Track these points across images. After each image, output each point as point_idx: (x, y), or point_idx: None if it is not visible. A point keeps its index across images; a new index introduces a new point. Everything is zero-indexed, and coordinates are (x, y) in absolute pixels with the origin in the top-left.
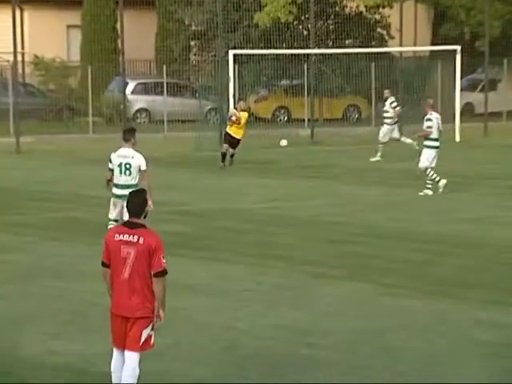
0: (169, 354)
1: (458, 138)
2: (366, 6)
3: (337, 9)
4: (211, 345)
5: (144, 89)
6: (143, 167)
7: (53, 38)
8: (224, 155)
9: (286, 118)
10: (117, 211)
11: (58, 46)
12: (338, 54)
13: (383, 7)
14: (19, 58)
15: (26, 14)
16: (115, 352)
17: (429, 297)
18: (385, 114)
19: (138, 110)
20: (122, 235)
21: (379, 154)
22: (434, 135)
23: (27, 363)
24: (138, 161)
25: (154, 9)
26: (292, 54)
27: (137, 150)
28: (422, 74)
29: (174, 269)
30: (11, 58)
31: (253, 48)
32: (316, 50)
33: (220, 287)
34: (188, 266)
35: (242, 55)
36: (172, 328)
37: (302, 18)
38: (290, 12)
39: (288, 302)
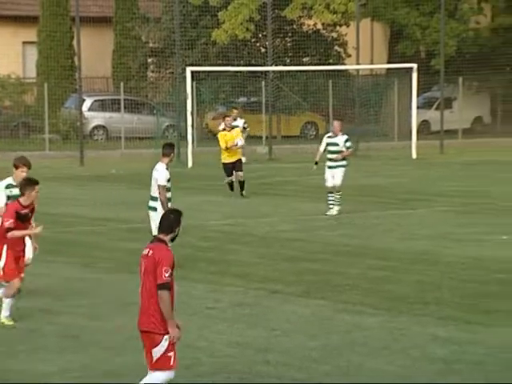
0: (127, 374)
1: (414, 155)
2: (323, 24)
3: (294, 26)
4: None
5: (101, 106)
6: (159, 182)
7: (8, 55)
8: (231, 185)
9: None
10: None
11: (14, 62)
12: (295, 71)
13: (340, 25)
14: None
15: None
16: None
17: (386, 313)
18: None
19: (95, 127)
20: (144, 250)
21: None
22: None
23: None
24: (157, 174)
25: (110, 26)
26: (250, 72)
27: (166, 166)
28: (378, 92)
29: (128, 286)
30: None
31: (210, 65)
32: (274, 68)
33: (180, 305)
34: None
35: (199, 72)
36: (132, 347)
37: (260, 35)
38: (247, 29)
39: (246, 319)
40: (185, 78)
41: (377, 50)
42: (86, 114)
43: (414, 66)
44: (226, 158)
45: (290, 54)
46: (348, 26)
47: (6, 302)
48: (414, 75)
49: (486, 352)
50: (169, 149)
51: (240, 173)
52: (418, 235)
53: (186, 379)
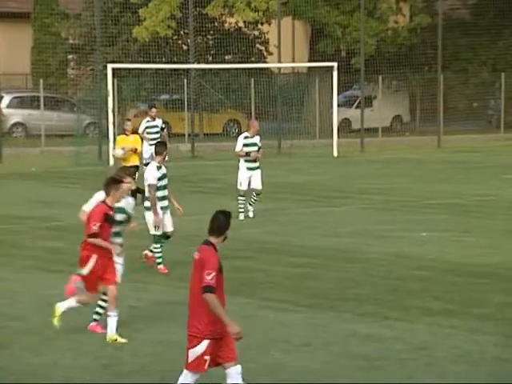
0: (44, 375)
1: (335, 153)
2: (244, 22)
3: (216, 24)
4: (90, 363)
5: (20, 102)
6: (148, 181)
7: None
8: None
9: (166, 132)
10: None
11: None
12: (217, 69)
13: (261, 24)
14: None
15: None
16: None
17: (308, 310)
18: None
19: (14, 124)
20: (195, 253)
21: None
22: None
23: None
24: (146, 173)
25: (29, 22)
26: (172, 69)
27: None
28: (300, 90)
29: (52, 286)
30: None
31: (132, 62)
32: (195, 65)
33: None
34: (63, 282)
35: (120, 69)
36: (50, 347)
37: (182, 32)
38: (169, 26)
39: (168, 317)
40: (106, 75)
41: (298, 49)
42: (5, 110)
43: (335, 64)
44: (122, 163)
45: (212, 52)
46: (270, 24)
47: (111, 319)
48: (335, 74)
49: (406, 348)
50: (161, 147)
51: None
52: (340, 232)
53: (103, 379)
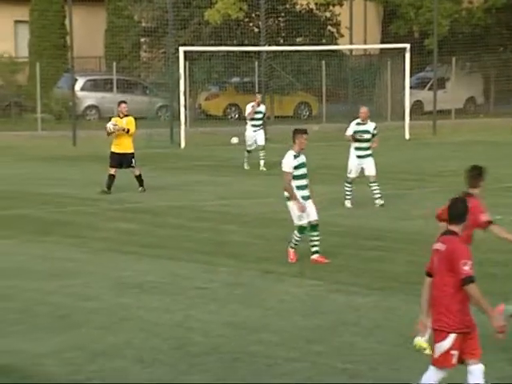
0: (118, 354)
1: (407, 136)
2: (316, 4)
3: (287, 6)
4: (162, 344)
5: (94, 85)
6: (283, 168)
7: (0, 34)
8: (111, 177)
9: (237, 116)
10: None
11: (6, 41)
12: (288, 51)
13: (333, 5)
14: None
15: None
16: None
17: (379, 293)
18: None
19: (88, 107)
20: (435, 244)
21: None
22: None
23: None
24: (283, 161)
25: (103, 5)
26: (243, 52)
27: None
28: (371, 72)
29: (125, 267)
30: None
31: (203, 45)
32: (267, 48)
33: (171, 285)
34: (139, 264)
35: (192, 52)
36: (123, 327)
37: (253, 15)
38: (240, 9)
39: (239, 299)
40: (178, 58)
41: (370, 30)
42: (79, 93)
43: (408, 46)
44: (114, 148)
45: (283, 34)
46: (341, 6)
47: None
48: (407, 55)
49: (479, 332)
50: (297, 135)
51: (131, 169)
52: (413, 215)
53: (175, 360)
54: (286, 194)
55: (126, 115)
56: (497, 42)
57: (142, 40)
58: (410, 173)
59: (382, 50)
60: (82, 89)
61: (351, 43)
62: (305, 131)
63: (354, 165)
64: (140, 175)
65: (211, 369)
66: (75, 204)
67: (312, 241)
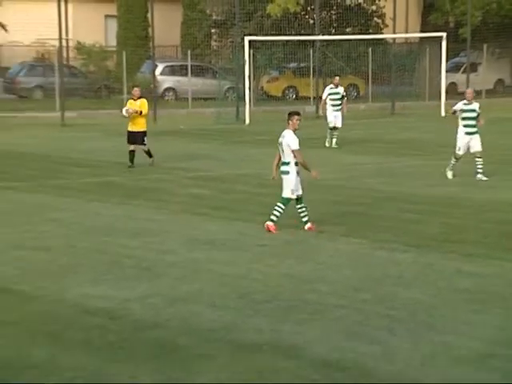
0: (193, 299)
1: (443, 113)
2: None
3: (339, 1)
4: (230, 292)
5: (171, 70)
6: (293, 147)
7: (93, 27)
8: (132, 153)
9: (294, 96)
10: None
11: (98, 33)
12: (339, 40)
13: (379, 0)
14: (64, 44)
15: (70, 6)
16: None
17: (416, 250)
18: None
19: (166, 89)
20: None
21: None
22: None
23: (70, 307)
24: (288, 140)
25: (179, 1)
26: (299, 41)
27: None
28: (412, 58)
29: (198, 226)
30: (57, 44)
31: (265, 35)
32: (320, 37)
33: (237, 243)
34: (210, 224)
35: (256, 41)
36: (196, 277)
37: (308, 8)
38: (297, 3)
39: (295, 254)
40: (243, 46)
41: (411, 21)
42: (159, 77)
43: (444, 34)
44: (129, 127)
45: (334, 25)
46: (386, 0)
47: None
48: (444, 43)
49: (507, 283)
50: (294, 115)
51: (142, 146)
52: (447, 182)
53: (241, 305)
54: (282, 168)
55: (140, 97)
56: None
57: (213, 31)
58: (445, 145)
59: (421, 38)
60: (161, 73)
61: (394, 32)
62: (297, 113)
63: (463, 143)
64: (148, 150)
65: (271, 314)
66: (156, 172)
67: (301, 212)
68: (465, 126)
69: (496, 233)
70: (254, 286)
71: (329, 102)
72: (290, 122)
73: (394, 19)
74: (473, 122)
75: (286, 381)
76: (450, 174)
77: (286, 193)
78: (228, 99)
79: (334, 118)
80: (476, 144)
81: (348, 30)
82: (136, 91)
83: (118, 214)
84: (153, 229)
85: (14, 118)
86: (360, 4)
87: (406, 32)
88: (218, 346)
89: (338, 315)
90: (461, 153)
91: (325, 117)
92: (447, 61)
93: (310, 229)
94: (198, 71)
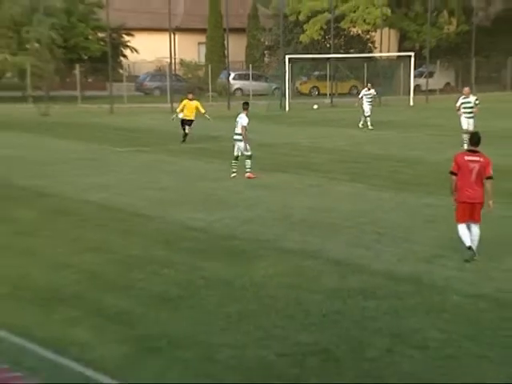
0: (254, 222)
1: (411, 103)
2: (362, 31)
3: (345, 32)
4: (277, 216)
5: (239, 77)
6: (244, 124)
7: (190, 49)
8: (185, 136)
9: (316, 93)
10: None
11: (193, 53)
12: (346, 57)
13: (372, 31)
14: (173, 61)
15: (177, 36)
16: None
17: (396, 191)
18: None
19: (236, 89)
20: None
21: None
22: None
23: (178, 225)
24: (241, 120)
25: (244, 33)
26: (320, 58)
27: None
28: (392, 69)
29: (256, 176)
30: (168, 61)
31: (299, 54)
32: (333, 55)
33: (280, 186)
34: (264, 174)
35: (292, 58)
36: (256, 207)
37: (326, 37)
38: (319, 34)
39: (315, 194)
40: (284, 62)
41: (391, 45)
42: (231, 81)
43: (412, 54)
44: (183, 116)
45: (343, 47)
46: (375, 32)
47: None
48: (412, 59)
49: (449, 210)
50: (247, 105)
51: (189, 128)
52: (418, 148)
53: (283, 225)
54: (235, 137)
55: (193, 99)
56: (463, 52)
57: (265, 52)
58: (411, 125)
59: (398, 56)
60: (233, 79)
61: (381, 52)
62: (248, 103)
63: (465, 123)
64: (187, 134)
65: (302, 230)
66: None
67: (234, 166)
68: (464, 113)
69: (445, 179)
70: (290, 213)
71: (462, 110)
72: (245, 110)
73: (380, 44)
74: (470, 110)
75: (311, 273)
76: (466, 146)
77: (246, 152)
78: (274, 95)
79: (467, 124)
80: (472, 124)
81: (352, 50)
82: (190, 95)
83: (206, 167)
84: (225, 176)
85: (141, 108)
86: (359, 34)
87: (388, 52)
88: (268, 251)
89: (345, 231)
90: (465, 127)
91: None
92: (414, 70)
93: (249, 177)
94: (256, 77)
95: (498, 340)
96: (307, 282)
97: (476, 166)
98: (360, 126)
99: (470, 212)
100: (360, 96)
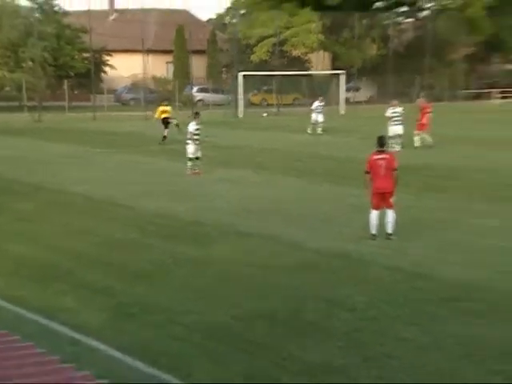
0: (215, 210)
1: (343, 113)
2: (301, 53)
3: (287, 54)
4: (233, 205)
5: (201, 90)
6: (190, 130)
7: (161, 67)
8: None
9: (266, 104)
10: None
11: (163, 71)
12: (289, 75)
13: (309, 53)
14: (146, 76)
15: (150, 57)
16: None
17: (330, 184)
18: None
19: (198, 100)
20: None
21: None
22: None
23: (150, 213)
24: (190, 126)
25: (205, 53)
26: (267, 75)
27: (196, 122)
28: (327, 84)
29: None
30: (142, 76)
31: (251, 71)
32: (279, 73)
33: (237, 180)
34: (221, 171)
35: (245, 75)
36: (216, 198)
37: (272, 57)
38: (267, 55)
39: (266, 187)
40: (237, 77)
41: (326, 65)
42: (195, 94)
43: (343, 71)
44: (164, 115)
45: (286, 66)
46: (312, 53)
47: None
48: (342, 76)
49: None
50: (197, 114)
51: (167, 131)
52: (348, 149)
53: (237, 216)
54: (188, 141)
55: (167, 105)
56: (382, 71)
57: (223, 69)
58: (346, 130)
59: (331, 74)
60: (196, 91)
61: (317, 70)
62: (197, 113)
63: (393, 131)
64: (166, 137)
65: (256, 217)
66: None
67: (195, 165)
68: (394, 121)
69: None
70: (246, 203)
71: (391, 119)
72: (196, 118)
73: (316, 64)
74: (398, 119)
75: (263, 252)
76: (397, 148)
77: (189, 155)
78: (230, 105)
79: (395, 131)
80: (401, 130)
81: (293, 69)
82: (165, 102)
83: (174, 165)
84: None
85: (119, 116)
86: (299, 56)
87: (323, 70)
88: (228, 234)
89: (291, 217)
90: (391, 134)
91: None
92: (345, 84)
93: (198, 173)
94: (215, 90)
95: (408, 304)
96: (259, 259)
97: (383, 163)
98: (309, 131)
99: (381, 200)
100: (313, 107)
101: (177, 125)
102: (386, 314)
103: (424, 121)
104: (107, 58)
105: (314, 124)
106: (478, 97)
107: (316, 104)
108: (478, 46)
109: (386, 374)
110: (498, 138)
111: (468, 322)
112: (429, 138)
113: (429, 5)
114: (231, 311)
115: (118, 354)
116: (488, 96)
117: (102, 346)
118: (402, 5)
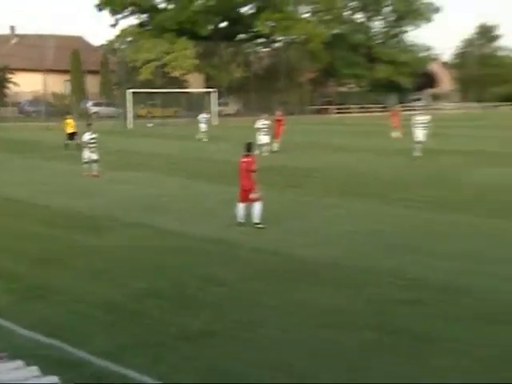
0: (109, 205)
1: (217, 123)
2: (179, 74)
3: (168, 74)
4: (123, 200)
5: (95, 104)
6: (83, 139)
7: (59, 84)
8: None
9: (151, 116)
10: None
11: (61, 87)
12: (169, 92)
13: (186, 74)
14: (46, 92)
15: (50, 75)
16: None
17: (207, 182)
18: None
19: (93, 112)
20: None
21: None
22: None
23: (58, 209)
24: (84, 136)
25: (99, 73)
26: (152, 92)
27: (91, 133)
28: (202, 100)
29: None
30: (43, 92)
31: (138, 88)
32: (161, 90)
33: (127, 180)
34: (114, 173)
35: (134, 92)
36: (110, 195)
37: (156, 77)
38: (151, 75)
39: (148, 186)
40: (125, 94)
41: (200, 84)
42: (90, 107)
43: (215, 89)
44: (71, 130)
45: (167, 85)
46: (189, 74)
47: None
48: (214, 94)
49: None
50: (90, 125)
51: (76, 137)
52: (224, 152)
53: (126, 209)
54: (84, 148)
55: (71, 119)
56: (246, 90)
57: (114, 87)
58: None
59: (205, 91)
60: (91, 105)
61: (193, 88)
62: (90, 124)
63: (262, 139)
64: (68, 144)
65: (141, 210)
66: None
67: (91, 168)
68: (261, 132)
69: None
70: (134, 199)
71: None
72: (89, 128)
73: (193, 83)
74: (266, 130)
75: (146, 238)
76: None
77: (84, 159)
78: (121, 117)
79: (266, 139)
80: (267, 139)
81: (174, 87)
82: (69, 115)
83: (74, 168)
84: (88, 174)
85: (22, 126)
86: (178, 76)
87: (198, 88)
88: (118, 225)
89: (173, 210)
90: (260, 143)
91: None
92: (217, 100)
93: (96, 175)
94: (107, 104)
95: (273, 280)
96: (142, 244)
97: (244, 165)
98: (197, 137)
99: (245, 196)
100: (200, 118)
101: (77, 144)
102: (253, 289)
103: (279, 130)
104: (10, 75)
105: (203, 132)
106: (320, 111)
107: (203, 115)
108: (318, 71)
109: (256, 338)
110: (338, 143)
111: (316, 291)
112: (276, 145)
113: (280, 38)
114: (122, 290)
115: (21, 331)
116: (327, 111)
117: (6, 323)
118: (260, 37)
